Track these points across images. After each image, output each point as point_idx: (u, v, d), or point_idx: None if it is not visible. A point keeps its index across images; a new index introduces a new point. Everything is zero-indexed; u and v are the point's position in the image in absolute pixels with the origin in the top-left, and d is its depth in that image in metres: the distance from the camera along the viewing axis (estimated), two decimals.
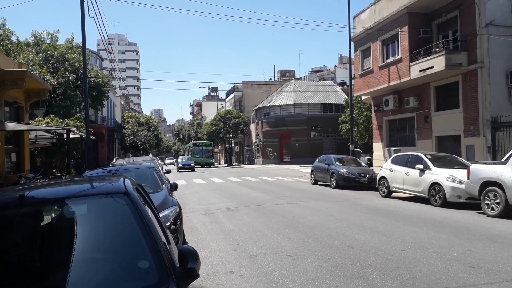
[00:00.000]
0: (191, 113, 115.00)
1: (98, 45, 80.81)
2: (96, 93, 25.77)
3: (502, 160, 10.09)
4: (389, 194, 13.79)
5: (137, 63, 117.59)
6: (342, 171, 17.24)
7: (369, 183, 16.57)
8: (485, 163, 10.57)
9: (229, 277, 5.20)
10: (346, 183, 16.86)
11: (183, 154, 77.88)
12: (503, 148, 13.89)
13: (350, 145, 23.45)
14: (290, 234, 7.68)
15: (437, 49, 16.11)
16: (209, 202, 13.06)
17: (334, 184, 17.32)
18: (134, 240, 2.40)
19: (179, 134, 77.54)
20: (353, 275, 5.11)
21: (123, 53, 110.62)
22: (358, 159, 20.76)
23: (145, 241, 2.33)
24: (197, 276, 2.35)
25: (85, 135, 17.56)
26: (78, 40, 24.48)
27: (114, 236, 2.51)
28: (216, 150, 66.14)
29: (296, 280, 4.97)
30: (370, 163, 23.72)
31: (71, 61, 23.47)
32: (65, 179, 5.50)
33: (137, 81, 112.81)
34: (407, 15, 17.67)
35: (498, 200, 9.30)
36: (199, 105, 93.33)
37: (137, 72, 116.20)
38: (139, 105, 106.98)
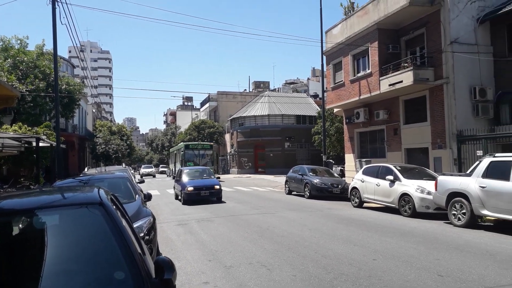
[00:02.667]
0: (165, 122, 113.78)
1: (70, 52, 79.12)
2: (67, 101, 25.17)
3: (467, 172, 10.51)
4: (360, 204, 14.07)
5: (109, 71, 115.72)
6: (315, 181, 17.47)
7: (342, 193, 16.85)
8: (451, 175, 10.98)
9: None
10: (319, 193, 17.09)
11: (164, 162, 75.07)
12: (468, 161, 14.46)
13: (323, 156, 23.81)
14: (265, 244, 7.72)
15: (406, 65, 16.70)
16: (183, 213, 12.93)
17: (308, 194, 17.51)
18: (110, 251, 2.38)
19: (153, 143, 76.45)
20: (327, 284, 5.19)
21: (95, 60, 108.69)
22: (330, 170, 21.10)
23: (120, 252, 2.32)
24: (173, 286, 2.36)
25: (55, 143, 17.08)
26: (49, 47, 23.94)
27: (89, 247, 2.48)
28: None
29: None
30: (342, 174, 24.13)
31: (42, 68, 22.87)
32: (34, 189, 5.35)
33: (110, 89, 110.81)
34: (377, 31, 18.27)
35: (464, 211, 9.67)
36: (173, 114, 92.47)
37: (110, 80, 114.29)
38: (111, 113, 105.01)
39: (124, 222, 2.77)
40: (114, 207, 2.83)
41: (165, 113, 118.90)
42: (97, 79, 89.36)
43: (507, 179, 8.70)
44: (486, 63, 15.63)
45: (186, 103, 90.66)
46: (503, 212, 8.78)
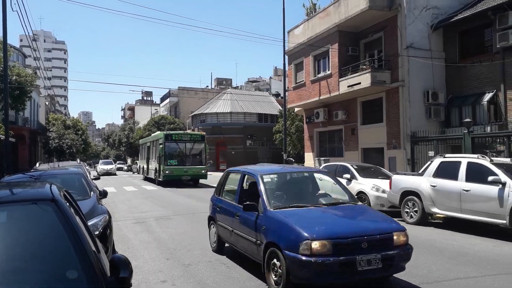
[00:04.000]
0: (123, 117, 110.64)
1: (21, 41, 74.94)
2: (18, 93, 23.83)
3: (420, 171, 11.01)
4: None
5: (65, 63, 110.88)
6: None
7: None
8: (405, 174, 11.46)
9: (161, 287, 5.08)
10: None
11: (121, 159, 71.86)
12: (420, 161, 15.14)
13: (284, 154, 24.08)
14: None
15: (364, 67, 17.23)
16: (141, 211, 12.64)
17: None
18: (62, 249, 2.28)
19: (109, 138, 74.11)
20: None
21: (49, 51, 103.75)
22: None
23: (73, 250, 2.23)
24: (130, 285, 2.30)
25: (3, 137, 16.15)
26: None
27: (40, 245, 2.36)
28: None
29: (230, 287, 5.00)
30: None
31: None
32: None
33: (65, 81, 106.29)
34: (338, 33, 18.70)
35: (416, 209, 10.11)
36: (132, 109, 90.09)
37: (65, 72, 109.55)
38: (66, 106, 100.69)
39: (78, 220, 2.66)
40: (67, 203, 2.71)
41: (123, 108, 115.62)
42: (51, 70, 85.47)
43: (455, 178, 9.19)
44: (438, 68, 16.43)
45: (145, 98, 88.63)
46: (451, 210, 9.27)
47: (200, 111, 47.46)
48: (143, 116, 68.66)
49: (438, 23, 16.30)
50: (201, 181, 23.86)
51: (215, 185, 21.76)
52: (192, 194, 17.80)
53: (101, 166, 41.82)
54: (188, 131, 26.99)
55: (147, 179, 27.92)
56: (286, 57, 23.32)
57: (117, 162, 67.20)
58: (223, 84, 72.46)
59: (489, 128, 14.12)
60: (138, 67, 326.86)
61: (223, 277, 5.40)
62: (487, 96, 14.97)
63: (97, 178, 14.15)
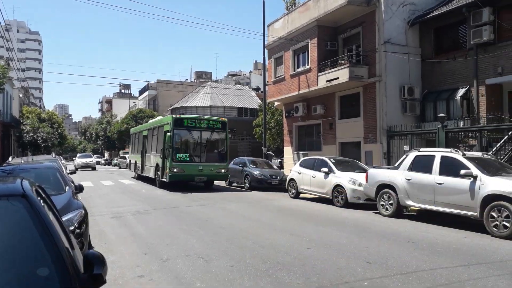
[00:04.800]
0: (100, 110, 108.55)
1: None
2: None
3: (395, 165, 11.24)
4: (297, 195, 14.51)
5: (39, 54, 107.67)
6: (255, 173, 17.71)
7: (280, 184, 17.26)
8: (381, 168, 11.69)
9: (138, 282, 5.05)
10: (259, 184, 17.37)
11: (98, 152, 69.83)
12: (396, 154, 15.45)
13: (263, 148, 24.16)
14: (203, 236, 7.69)
15: (342, 62, 17.40)
16: (119, 205, 12.48)
17: (248, 185, 17.72)
18: (33, 247, 2.24)
19: (86, 132, 72.69)
20: (263, 273, 5.30)
21: (23, 41, 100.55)
22: (270, 162, 21.50)
23: (45, 247, 2.19)
24: (104, 281, 2.28)
25: None
26: None
27: (9, 242, 2.31)
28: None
29: (208, 281, 5.01)
30: (281, 166, 24.67)
31: None
32: None
33: (39, 73, 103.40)
34: (317, 28, 18.80)
35: (391, 201, 10.34)
36: (109, 102, 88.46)
37: (40, 63, 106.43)
38: (41, 99, 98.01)
39: (51, 216, 2.61)
40: (39, 199, 2.65)
41: (100, 101, 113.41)
42: (24, 61, 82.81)
43: (429, 172, 9.43)
44: (415, 63, 16.74)
45: (123, 91, 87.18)
46: (425, 202, 9.52)
47: (180, 105, 46.99)
48: (121, 109, 67.57)
49: (415, 19, 16.58)
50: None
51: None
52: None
53: (79, 160, 40.17)
54: (206, 116, 19.88)
55: (140, 178, 22.91)
56: (266, 51, 23.32)
57: (95, 156, 65.72)
58: (203, 77, 71.99)
59: (462, 123, 14.50)
60: (117, 59, 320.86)
61: (201, 271, 5.40)
62: (461, 92, 15.36)
63: (73, 172, 13.84)
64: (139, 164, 23.27)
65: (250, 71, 79.00)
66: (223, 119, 18.77)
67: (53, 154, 16.11)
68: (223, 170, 17.65)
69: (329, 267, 5.59)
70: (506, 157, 12.12)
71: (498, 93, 15.05)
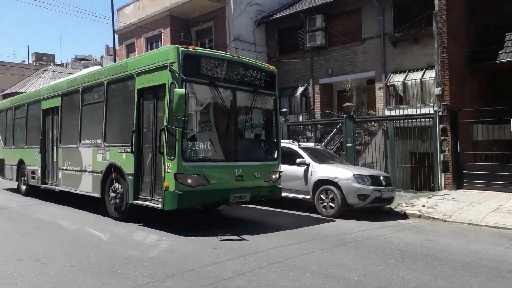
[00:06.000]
0: None
1: None
2: None
3: None
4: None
5: None
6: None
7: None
8: None
9: None
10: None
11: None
12: None
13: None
14: (43, 238, 7.02)
15: None
16: None
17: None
18: None
19: None
20: (108, 270, 5.17)
21: None
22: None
23: None
24: None
25: None
26: None
27: None
28: None
29: (43, 284, 4.65)
30: None
31: None
32: None
33: None
34: (169, 18, 18.66)
35: None
36: None
37: None
38: None
39: None
40: None
41: None
42: None
43: None
44: (262, 61, 18.01)
45: None
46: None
47: (14, 89, 40.91)
48: None
49: (261, 19, 17.89)
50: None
51: None
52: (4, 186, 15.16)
53: None
54: (243, 57, 9.07)
55: (34, 192, 12.28)
56: (117, 36, 22.08)
57: None
58: (44, 60, 63.97)
59: (301, 117, 16.36)
60: None
61: (36, 275, 4.96)
62: (300, 89, 17.27)
63: None
64: (32, 165, 12.12)
65: (102, 56, 73.38)
66: (271, 67, 9.26)
67: None
68: (274, 176, 8.53)
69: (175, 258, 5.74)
70: (334, 147, 14.19)
71: (330, 91, 17.44)
